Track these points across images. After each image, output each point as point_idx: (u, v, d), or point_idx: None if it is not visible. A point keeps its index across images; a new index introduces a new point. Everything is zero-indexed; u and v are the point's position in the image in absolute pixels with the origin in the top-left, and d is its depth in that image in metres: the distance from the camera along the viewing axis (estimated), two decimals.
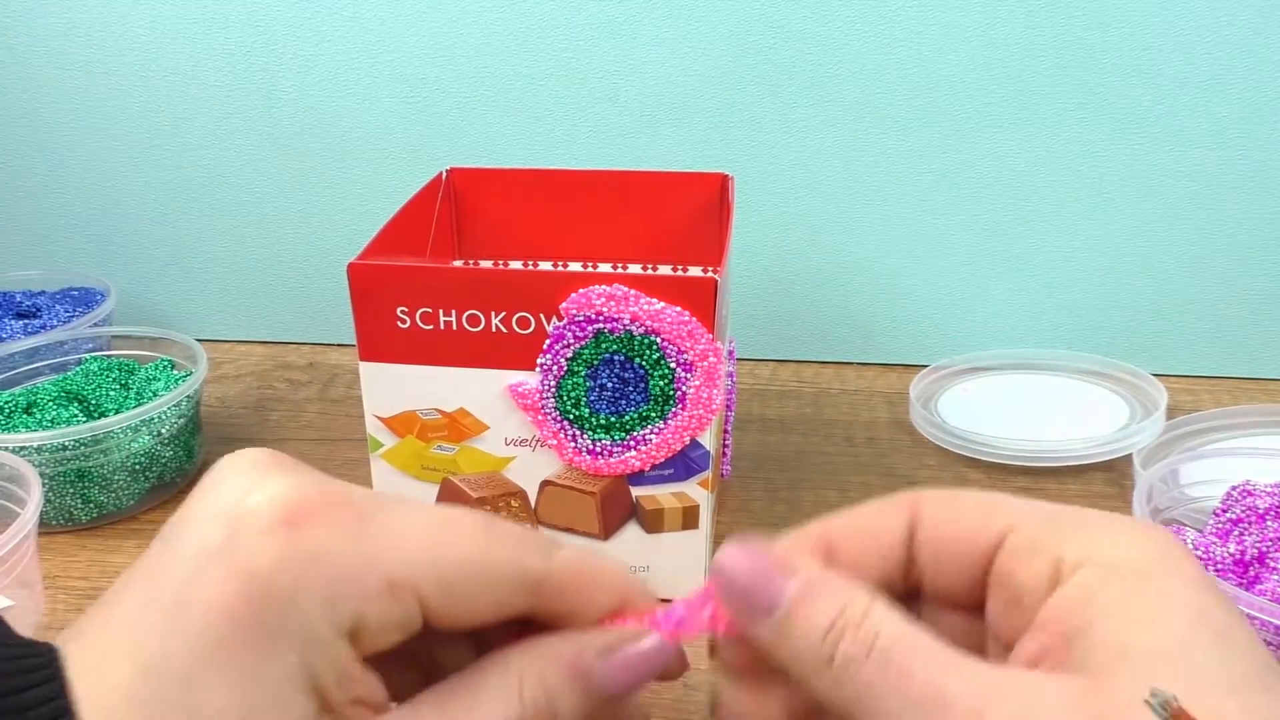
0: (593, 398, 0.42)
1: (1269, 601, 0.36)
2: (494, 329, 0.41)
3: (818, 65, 0.59)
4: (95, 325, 0.61)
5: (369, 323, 0.41)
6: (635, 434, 0.42)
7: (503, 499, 0.44)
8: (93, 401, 0.53)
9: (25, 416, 0.51)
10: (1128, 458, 0.53)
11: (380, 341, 0.41)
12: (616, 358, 0.41)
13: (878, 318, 0.65)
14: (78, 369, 0.56)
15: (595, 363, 0.42)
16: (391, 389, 0.42)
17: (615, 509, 0.44)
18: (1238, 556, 0.40)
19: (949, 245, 0.63)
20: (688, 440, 0.42)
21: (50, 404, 0.52)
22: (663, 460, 0.43)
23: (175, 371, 0.56)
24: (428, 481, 0.44)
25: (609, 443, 0.43)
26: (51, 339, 0.59)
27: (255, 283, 0.69)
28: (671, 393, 0.41)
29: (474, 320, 0.41)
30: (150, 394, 0.54)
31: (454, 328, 0.41)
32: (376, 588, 0.23)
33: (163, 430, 0.51)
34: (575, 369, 0.42)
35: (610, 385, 0.42)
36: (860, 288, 0.64)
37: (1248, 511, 0.42)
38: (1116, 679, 0.20)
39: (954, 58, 0.58)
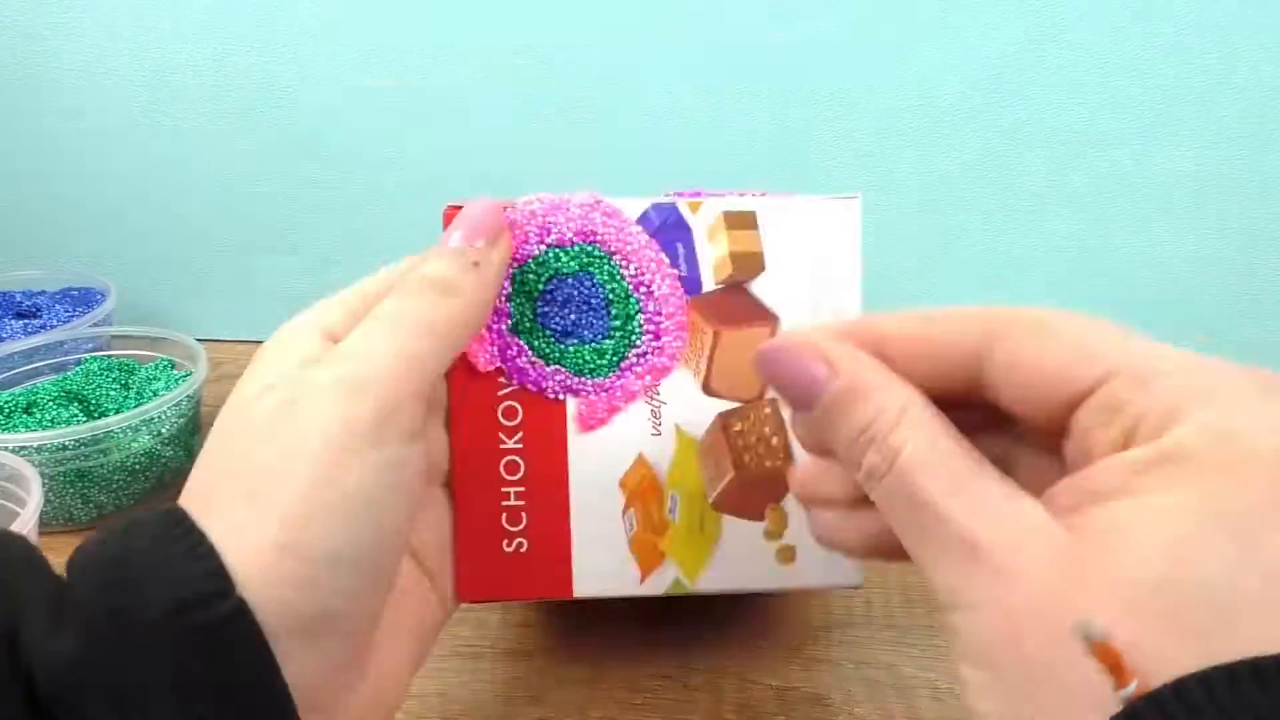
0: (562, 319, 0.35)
1: None
2: None
3: (813, 63, 0.59)
4: (95, 325, 0.61)
5: None
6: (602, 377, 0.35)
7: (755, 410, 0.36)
8: (93, 401, 0.53)
9: (25, 416, 0.51)
10: None
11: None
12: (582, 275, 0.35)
13: None
14: (78, 369, 0.56)
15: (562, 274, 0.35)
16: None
17: None
18: None
19: (949, 245, 0.63)
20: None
21: (50, 404, 0.52)
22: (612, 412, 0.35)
23: (175, 371, 0.56)
24: None
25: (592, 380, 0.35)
26: (51, 339, 0.59)
27: (255, 283, 0.69)
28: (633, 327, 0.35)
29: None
30: (150, 394, 0.54)
31: None
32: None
33: (163, 430, 0.51)
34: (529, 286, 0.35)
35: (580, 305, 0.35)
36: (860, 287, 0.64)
37: None
38: (1105, 551, 0.20)
39: (953, 56, 0.59)
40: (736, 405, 0.35)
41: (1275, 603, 0.18)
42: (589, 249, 0.34)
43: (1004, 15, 0.57)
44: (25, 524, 0.41)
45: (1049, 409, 0.23)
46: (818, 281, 0.35)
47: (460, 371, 0.34)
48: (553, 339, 0.34)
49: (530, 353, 0.34)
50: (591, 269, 0.34)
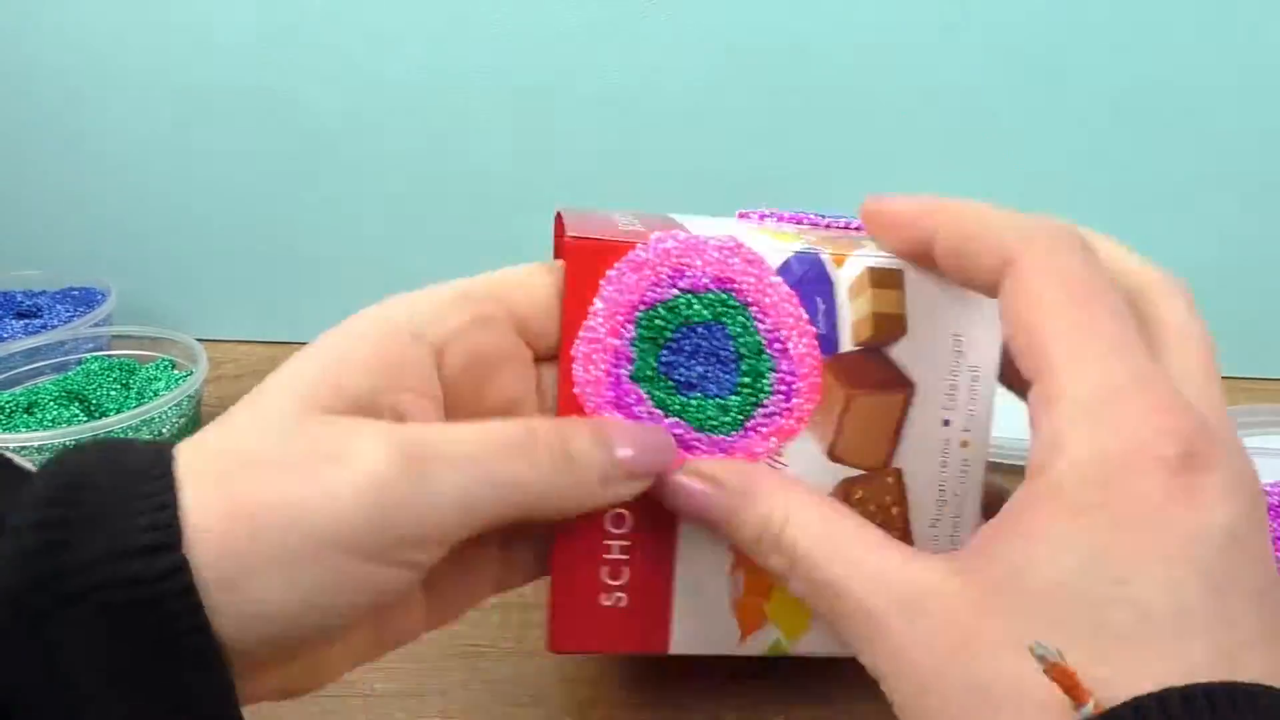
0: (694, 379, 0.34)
1: None
2: None
3: (815, 63, 0.59)
4: (95, 325, 0.61)
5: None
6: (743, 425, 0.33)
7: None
8: (93, 401, 0.53)
9: (26, 416, 0.51)
10: None
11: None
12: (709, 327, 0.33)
13: None
14: (78, 369, 0.56)
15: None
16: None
17: None
18: None
19: None
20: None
21: (51, 404, 0.52)
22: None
23: (175, 371, 0.56)
24: None
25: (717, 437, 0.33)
26: (52, 339, 0.59)
27: (255, 283, 0.69)
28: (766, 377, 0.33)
29: None
30: (151, 394, 0.54)
31: None
32: None
33: (163, 430, 0.51)
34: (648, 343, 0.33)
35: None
36: None
37: None
38: (1001, 597, 0.21)
39: (954, 58, 0.59)
40: (860, 473, 0.33)
41: (1150, 637, 0.19)
42: (724, 297, 0.31)
43: (1014, 20, 0.57)
44: None
45: (985, 286, 0.26)
46: (956, 349, 0.33)
47: (570, 415, 0.31)
48: (675, 390, 0.32)
49: (649, 402, 0.31)
50: (725, 319, 0.31)
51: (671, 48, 0.60)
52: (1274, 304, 0.62)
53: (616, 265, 0.30)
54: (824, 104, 0.60)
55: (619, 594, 0.33)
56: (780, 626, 0.34)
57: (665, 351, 0.32)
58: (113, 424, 0.49)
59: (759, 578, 0.33)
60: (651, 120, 0.61)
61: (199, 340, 0.57)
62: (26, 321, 0.63)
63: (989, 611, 0.20)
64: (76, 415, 0.51)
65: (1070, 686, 0.18)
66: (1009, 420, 0.56)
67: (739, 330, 0.32)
